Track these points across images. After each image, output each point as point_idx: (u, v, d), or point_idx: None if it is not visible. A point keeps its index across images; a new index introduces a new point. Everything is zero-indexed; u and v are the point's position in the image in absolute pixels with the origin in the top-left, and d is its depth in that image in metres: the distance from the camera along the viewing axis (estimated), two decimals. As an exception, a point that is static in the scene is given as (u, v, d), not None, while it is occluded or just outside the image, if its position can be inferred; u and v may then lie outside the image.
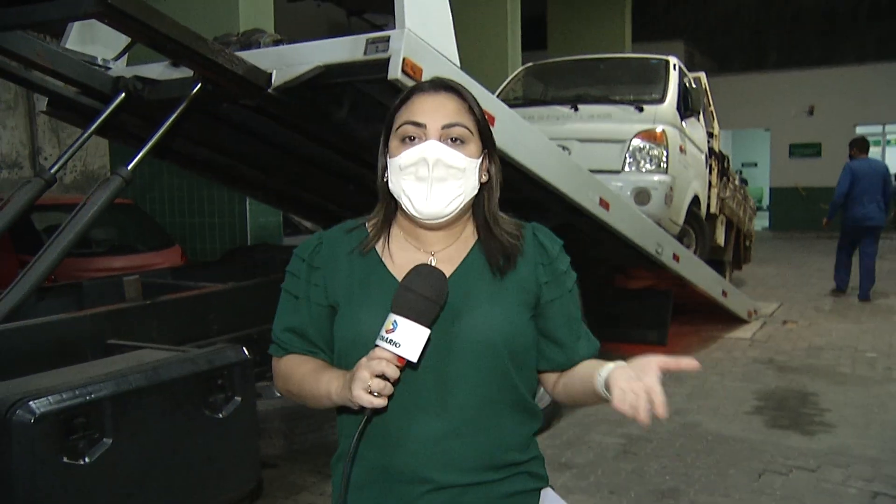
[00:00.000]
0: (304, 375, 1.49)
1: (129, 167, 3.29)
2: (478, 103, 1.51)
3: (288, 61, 3.53)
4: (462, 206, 1.46)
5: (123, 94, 3.62)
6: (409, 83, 3.38)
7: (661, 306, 6.31)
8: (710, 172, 7.67)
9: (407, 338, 1.32)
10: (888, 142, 18.84)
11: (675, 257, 5.88)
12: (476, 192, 1.49)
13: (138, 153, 3.38)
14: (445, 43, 3.61)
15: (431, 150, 1.42)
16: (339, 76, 3.52)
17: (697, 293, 6.58)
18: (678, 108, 6.61)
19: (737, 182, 9.23)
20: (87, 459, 2.22)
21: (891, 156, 18.69)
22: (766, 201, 19.98)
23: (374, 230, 1.53)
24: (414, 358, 1.33)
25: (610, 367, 1.39)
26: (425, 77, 3.43)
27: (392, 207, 1.52)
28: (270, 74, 3.50)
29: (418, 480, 1.42)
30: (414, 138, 1.44)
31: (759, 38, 19.07)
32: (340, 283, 1.50)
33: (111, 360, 2.76)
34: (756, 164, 20.17)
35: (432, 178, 1.42)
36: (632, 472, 3.93)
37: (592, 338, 1.59)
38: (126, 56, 4.02)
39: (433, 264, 1.44)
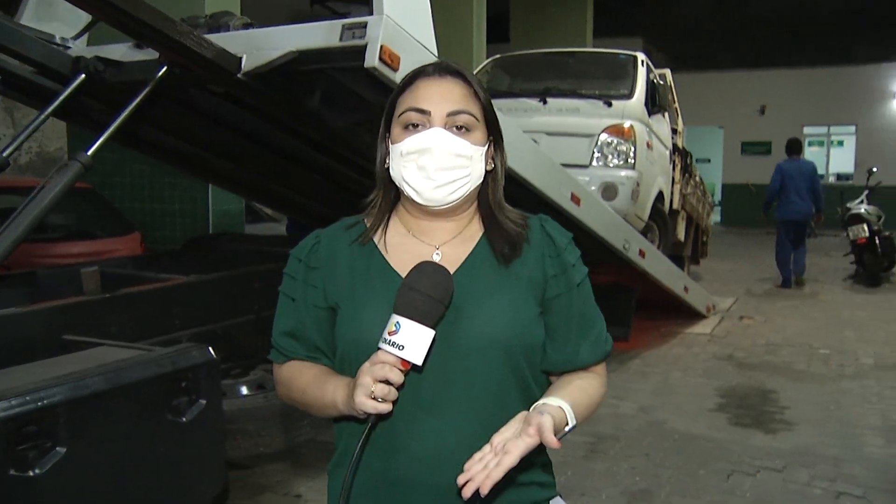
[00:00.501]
0: (307, 384, 1.42)
1: (89, 153, 3.10)
2: (484, 89, 1.44)
3: (259, 46, 3.38)
4: (467, 193, 1.41)
5: (83, 76, 3.43)
6: (387, 72, 3.26)
7: (625, 303, 6.30)
8: (674, 169, 7.69)
9: (411, 340, 1.25)
10: (832, 142, 19.21)
11: (641, 253, 5.88)
12: (481, 180, 1.43)
13: (99, 138, 3.19)
14: (424, 31, 3.50)
15: (436, 138, 1.37)
16: (312, 63, 3.38)
17: (659, 288, 6.60)
18: (646, 104, 6.61)
19: (698, 178, 9.30)
20: (37, 471, 2.05)
21: (835, 156, 19.11)
22: (717, 197, 20.27)
23: (372, 221, 1.46)
24: (419, 361, 1.26)
25: (537, 404, 1.33)
26: (403, 66, 3.32)
27: (392, 196, 1.46)
28: (240, 59, 3.35)
29: (423, 487, 1.36)
30: (418, 125, 1.38)
31: (714, 38, 19.29)
32: (341, 282, 1.43)
33: (67, 358, 2.59)
34: (709, 161, 20.40)
35: (437, 165, 1.36)
36: (602, 473, 3.89)
37: (602, 341, 1.49)
38: (87, 35, 3.82)
39: (438, 259, 1.39)
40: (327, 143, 4.20)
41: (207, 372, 2.62)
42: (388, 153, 1.43)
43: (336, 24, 3.28)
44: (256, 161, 4.73)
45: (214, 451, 2.68)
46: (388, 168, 1.42)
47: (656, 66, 7.38)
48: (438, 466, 1.34)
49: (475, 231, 1.47)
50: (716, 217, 18.64)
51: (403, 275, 1.34)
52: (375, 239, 1.45)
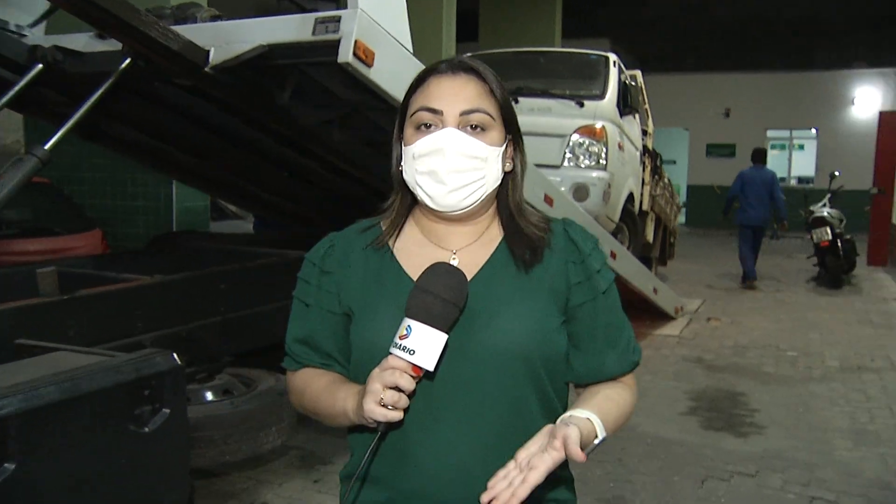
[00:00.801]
0: (319, 392, 1.37)
1: (47, 147, 2.95)
2: (501, 85, 1.36)
3: (228, 39, 3.26)
4: (483, 197, 1.34)
5: (41, 66, 3.27)
6: (361, 68, 3.17)
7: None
8: (644, 170, 7.69)
9: (422, 344, 1.20)
10: (794, 146, 19.48)
11: (612, 254, 5.84)
12: (499, 182, 1.36)
13: (57, 132, 3.05)
14: (399, 26, 3.41)
15: (448, 138, 1.30)
16: (283, 57, 3.27)
17: (629, 290, 6.58)
18: (617, 105, 6.58)
19: (666, 180, 9.33)
20: (-19, 490, 1.89)
21: (797, 159, 19.37)
22: (683, 198, 20.44)
23: (388, 225, 1.41)
24: (430, 367, 1.21)
25: (563, 416, 1.26)
26: (377, 61, 3.23)
27: (408, 199, 1.40)
28: (208, 52, 3.23)
29: (434, 502, 1.30)
30: (430, 125, 1.32)
31: (680, 41, 19.45)
32: (354, 286, 1.38)
33: (19, 365, 2.44)
34: (675, 162, 20.55)
35: (450, 168, 1.30)
36: (576, 479, 3.82)
37: (630, 351, 1.41)
38: (45, 23, 3.66)
39: (455, 264, 1.32)
40: (297, 139, 4.08)
41: (172, 379, 2.49)
42: (401, 155, 1.37)
43: (308, 18, 3.18)
44: (223, 157, 4.59)
45: (179, 461, 2.55)
46: (401, 169, 1.36)
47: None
48: (450, 480, 1.29)
49: (494, 235, 1.40)
50: (681, 218, 18.83)
51: (416, 278, 1.28)
52: (391, 243, 1.40)
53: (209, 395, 3.40)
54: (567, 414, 1.26)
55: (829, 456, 4.30)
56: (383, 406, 1.19)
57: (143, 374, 2.40)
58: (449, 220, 1.37)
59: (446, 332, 1.22)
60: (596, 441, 1.25)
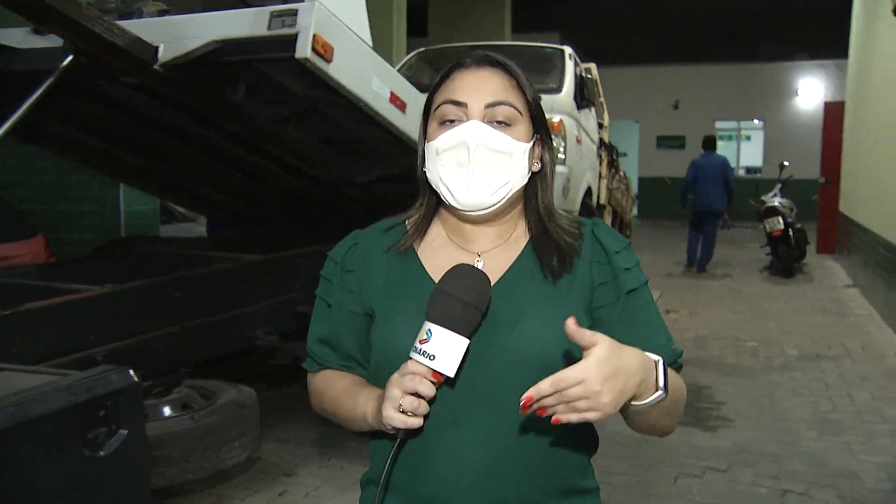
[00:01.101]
0: (339, 395, 1.35)
1: (-16, 151, 2.77)
2: (529, 81, 1.31)
3: (178, 34, 3.11)
4: (509, 196, 1.29)
5: (-26, 64, 3.07)
6: (320, 63, 3.04)
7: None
8: (601, 163, 7.67)
9: (443, 349, 1.16)
10: (742, 137, 19.80)
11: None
12: (525, 181, 1.31)
13: (-5, 134, 2.86)
14: (358, 20, 3.30)
15: (473, 131, 1.25)
16: (237, 53, 3.13)
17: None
18: (574, 99, 6.53)
19: (622, 172, 9.35)
20: None
21: (744, 150, 19.69)
22: (635, 190, 20.62)
23: (413, 226, 1.37)
24: (451, 372, 1.17)
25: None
26: (337, 56, 3.10)
27: (434, 200, 1.36)
28: (157, 48, 3.07)
29: None
30: (454, 120, 1.27)
31: (627, 34, 19.61)
32: (376, 287, 1.34)
33: (-40, 386, 2.27)
34: (625, 154, 20.73)
35: (474, 162, 1.25)
36: (548, 481, 3.76)
37: (672, 347, 1.30)
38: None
39: (479, 267, 1.28)
40: (251, 137, 3.93)
41: (129, 398, 2.32)
42: (425, 154, 1.32)
43: (264, 12, 3.04)
44: (173, 157, 4.42)
45: (138, 485, 2.39)
46: (427, 170, 1.31)
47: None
48: (469, 487, 1.24)
49: (521, 237, 1.35)
50: (633, 210, 19.01)
51: (446, 272, 1.24)
52: (414, 244, 1.36)
53: (167, 411, 3.23)
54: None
55: (796, 447, 4.31)
56: (402, 412, 1.16)
57: (97, 393, 2.23)
58: (474, 221, 1.32)
59: (468, 337, 1.18)
60: (654, 396, 1.13)
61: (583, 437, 1.32)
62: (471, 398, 1.24)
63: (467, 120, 1.26)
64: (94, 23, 2.71)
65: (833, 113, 11.74)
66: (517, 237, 1.35)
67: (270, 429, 4.31)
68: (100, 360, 3.06)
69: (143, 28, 3.06)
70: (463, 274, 1.20)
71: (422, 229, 1.36)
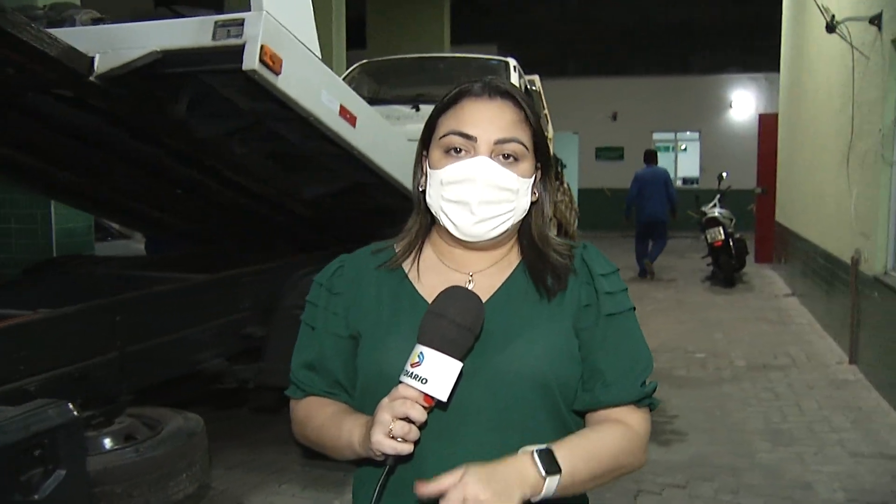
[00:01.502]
0: (323, 422, 1.31)
1: None
2: (535, 112, 1.30)
3: (115, 44, 2.94)
4: (509, 228, 1.30)
5: None
6: (268, 76, 2.91)
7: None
8: (546, 176, 7.65)
9: (435, 372, 1.13)
10: (681, 149, 20.19)
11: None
12: (525, 213, 1.32)
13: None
14: (306, 30, 3.18)
15: (481, 168, 1.25)
16: (179, 65, 2.99)
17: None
18: (520, 112, 6.49)
19: (566, 185, 9.37)
20: None
21: (681, 160, 20.06)
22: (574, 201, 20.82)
23: (403, 247, 1.36)
24: (443, 397, 1.14)
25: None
26: (286, 68, 2.98)
27: (427, 222, 1.36)
28: (92, 59, 2.91)
29: None
30: (461, 151, 1.27)
31: (562, 46, 19.86)
32: (366, 309, 1.32)
33: None
34: (565, 166, 20.97)
35: (480, 198, 1.25)
36: None
37: (640, 383, 1.29)
38: None
39: (470, 287, 1.27)
40: (192, 153, 3.76)
41: (68, 434, 2.16)
42: (425, 176, 1.32)
43: (208, 21, 2.90)
44: (109, 174, 4.20)
45: (78, 528, 2.22)
46: (423, 188, 1.31)
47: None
48: None
49: (513, 259, 1.35)
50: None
51: (439, 293, 1.23)
52: (405, 266, 1.35)
53: (108, 443, 3.03)
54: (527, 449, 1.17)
55: (751, 459, 4.31)
56: (393, 438, 1.12)
57: (32, 431, 2.07)
58: (468, 246, 1.32)
59: (461, 360, 1.16)
60: (546, 486, 1.13)
61: None
62: (462, 418, 1.22)
63: (475, 154, 1.26)
64: (21, 30, 2.53)
65: (767, 124, 12.01)
66: (509, 258, 1.35)
67: (218, 454, 4.12)
68: (33, 391, 2.85)
69: (76, 37, 2.89)
70: (456, 296, 1.19)
71: (412, 250, 1.35)
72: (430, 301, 1.25)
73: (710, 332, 7.54)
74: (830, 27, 6.62)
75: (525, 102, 1.30)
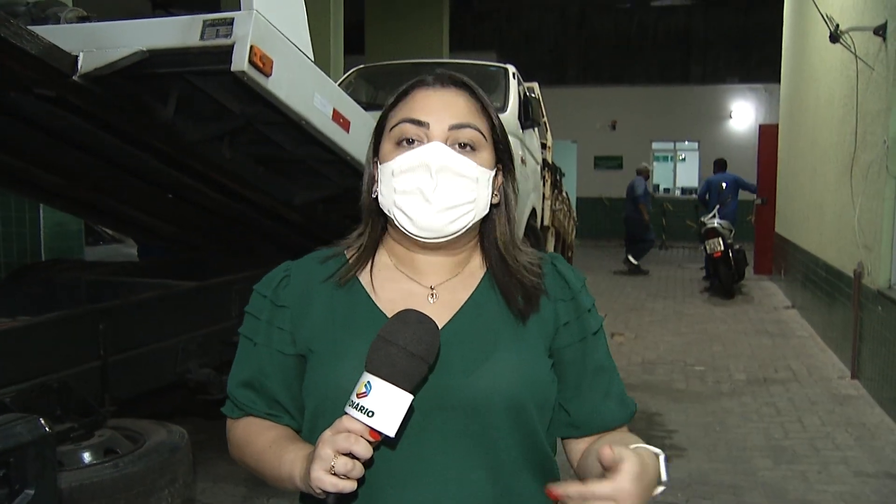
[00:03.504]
0: (263, 449, 1.20)
1: None
2: (493, 107, 1.21)
3: (100, 43, 2.84)
4: (469, 225, 1.19)
5: None
6: (258, 77, 2.82)
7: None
8: (545, 184, 7.57)
9: (382, 405, 1.03)
10: (679, 158, 20.12)
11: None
12: (486, 211, 1.21)
13: None
14: (298, 31, 3.08)
15: (435, 153, 1.15)
16: (166, 65, 2.89)
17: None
18: (519, 118, 6.41)
19: (565, 193, 9.29)
20: None
21: (681, 170, 20.00)
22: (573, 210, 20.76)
23: (356, 256, 1.25)
24: (391, 432, 1.04)
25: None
26: (276, 70, 2.88)
27: (379, 228, 1.25)
28: (76, 58, 2.81)
29: None
30: (413, 140, 1.17)
31: (561, 54, 19.82)
32: (316, 324, 1.21)
33: None
34: (564, 174, 20.91)
35: (435, 186, 1.14)
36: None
37: (626, 399, 1.29)
38: None
39: (432, 303, 1.20)
40: (180, 157, 3.66)
41: (38, 451, 2.04)
42: (375, 177, 1.21)
43: (196, 20, 2.80)
44: (95, 177, 4.09)
45: (47, 551, 2.10)
46: (376, 195, 1.21)
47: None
48: None
49: (476, 270, 1.26)
50: (572, 231, 19.10)
51: (391, 316, 1.12)
52: (359, 276, 1.24)
53: (87, 457, 2.91)
54: (633, 445, 1.12)
55: (753, 477, 4.20)
56: (334, 475, 1.01)
57: (-2, 448, 1.96)
58: (426, 248, 1.21)
59: (411, 393, 1.05)
60: (659, 489, 1.11)
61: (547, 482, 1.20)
62: (432, 448, 1.13)
63: (428, 141, 1.17)
64: (1, 26, 2.43)
65: (767, 135, 11.93)
66: (472, 269, 1.25)
67: (205, 466, 4.01)
68: (7, 402, 2.74)
69: (60, 35, 2.79)
70: (409, 320, 1.07)
71: (366, 259, 1.25)
72: (388, 314, 1.16)
73: (709, 345, 7.43)
74: (834, 37, 6.54)
75: (482, 95, 1.22)
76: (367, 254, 1.25)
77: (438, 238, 1.18)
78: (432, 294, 1.22)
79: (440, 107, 1.18)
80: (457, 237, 1.19)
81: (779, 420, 5.17)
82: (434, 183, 1.14)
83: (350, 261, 1.25)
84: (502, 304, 1.21)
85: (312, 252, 1.30)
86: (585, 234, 19.34)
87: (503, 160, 1.24)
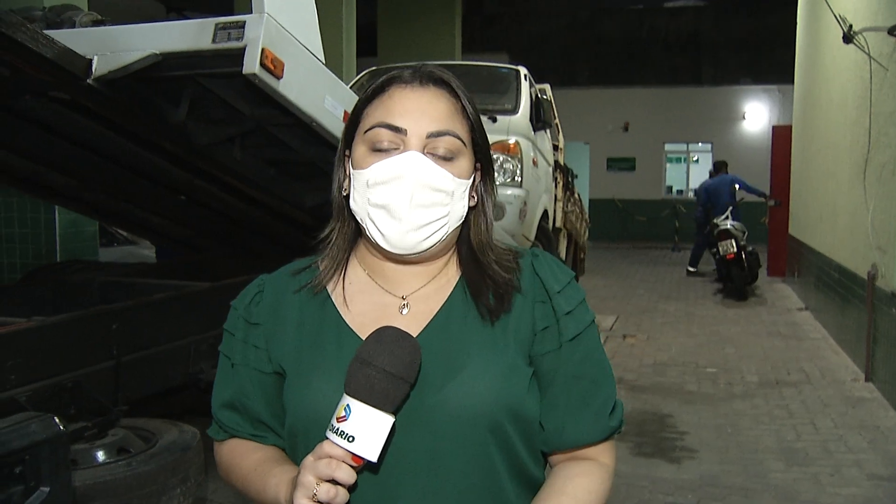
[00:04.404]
0: (248, 472, 1.17)
1: None
2: (473, 103, 1.14)
3: (113, 46, 2.87)
4: (444, 238, 1.14)
5: None
6: (269, 80, 2.84)
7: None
8: (556, 186, 7.57)
9: (363, 429, 1.00)
10: (692, 160, 20.05)
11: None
12: (462, 220, 1.16)
13: None
14: (309, 34, 3.10)
15: (412, 165, 1.09)
16: (178, 68, 2.92)
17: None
18: (531, 120, 6.41)
19: (577, 195, 9.28)
20: None
21: (693, 172, 19.91)
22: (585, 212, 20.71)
23: (327, 264, 1.19)
24: (373, 457, 1.00)
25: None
26: (287, 73, 2.90)
27: (350, 232, 1.20)
28: (90, 61, 2.84)
29: None
30: (388, 149, 1.11)
31: (572, 56, 19.78)
32: (286, 341, 1.16)
33: None
34: (577, 176, 20.88)
35: (410, 202, 1.09)
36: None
37: (607, 415, 1.17)
38: None
39: (405, 314, 1.14)
40: (192, 159, 3.69)
41: (52, 450, 2.07)
42: (347, 178, 1.16)
43: (208, 23, 2.82)
44: (108, 179, 4.13)
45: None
46: (348, 196, 1.15)
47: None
48: None
49: (451, 275, 1.19)
50: (584, 232, 19.05)
51: (362, 335, 1.09)
52: (329, 287, 1.18)
53: (101, 456, 2.94)
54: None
55: (764, 479, 4.19)
56: (317, 502, 0.99)
57: (13, 446, 1.98)
58: (400, 261, 1.16)
59: (393, 414, 1.02)
60: None
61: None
62: (406, 469, 1.09)
63: (405, 149, 1.11)
64: (17, 30, 2.46)
65: (781, 136, 11.87)
66: (448, 275, 1.19)
67: (215, 465, 4.03)
68: (23, 401, 2.77)
69: (74, 39, 2.82)
70: (387, 339, 1.03)
71: (338, 267, 1.19)
72: (358, 332, 1.12)
73: (721, 347, 7.40)
74: (847, 37, 6.51)
75: (462, 91, 1.16)
76: (339, 262, 1.19)
77: (411, 254, 1.13)
78: (405, 305, 1.16)
79: (418, 110, 1.11)
80: (433, 250, 1.15)
81: (791, 422, 5.15)
82: (408, 199, 1.09)
83: (321, 270, 1.19)
84: (474, 310, 1.15)
85: (288, 264, 1.26)
86: (598, 236, 19.33)
87: (482, 161, 1.18)
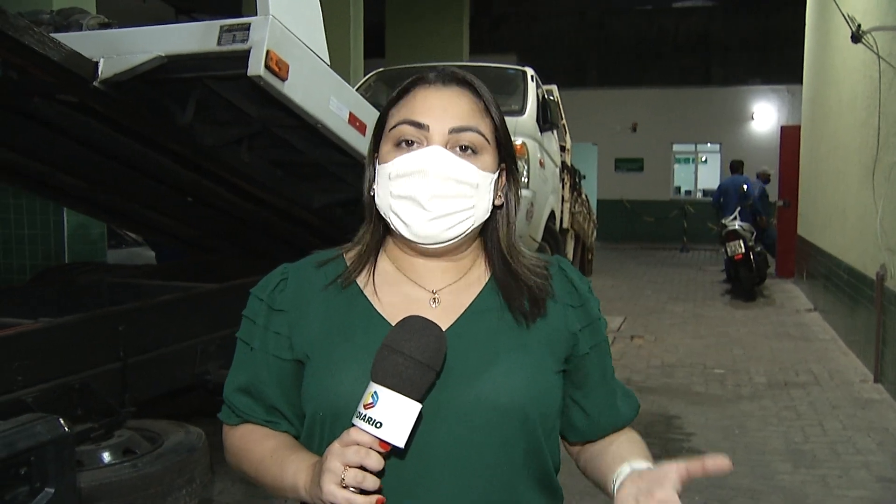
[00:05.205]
0: (263, 458, 1.17)
1: None
2: (496, 104, 1.17)
3: (120, 49, 2.89)
4: (469, 231, 1.16)
5: None
6: (274, 82, 2.85)
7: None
8: (563, 186, 7.56)
9: (391, 415, 1.01)
10: (701, 160, 19.99)
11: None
12: (487, 215, 1.18)
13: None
14: (314, 36, 3.10)
15: (434, 158, 1.12)
16: (184, 70, 2.93)
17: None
18: (537, 121, 6.41)
19: (584, 196, 9.27)
20: None
21: (702, 173, 19.86)
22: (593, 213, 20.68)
23: (355, 259, 1.21)
24: (400, 443, 1.02)
25: (626, 471, 1.14)
26: (292, 75, 2.91)
27: (380, 230, 1.21)
28: (97, 64, 2.85)
29: None
30: (412, 143, 1.14)
31: (581, 56, 19.77)
32: (313, 330, 1.17)
33: None
34: (584, 177, 20.85)
35: (433, 192, 1.11)
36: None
37: (631, 394, 1.32)
38: None
39: (435, 308, 1.17)
40: (199, 161, 3.70)
41: (57, 451, 2.08)
42: (374, 176, 1.18)
43: (213, 26, 2.83)
44: (116, 180, 4.15)
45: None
46: (375, 195, 1.17)
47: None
48: None
49: (480, 275, 1.22)
50: (592, 233, 19.02)
51: (392, 321, 1.11)
52: (359, 280, 1.20)
53: (107, 457, 2.95)
54: (621, 475, 1.14)
55: (771, 481, 4.17)
56: (345, 488, 0.99)
57: (18, 447, 1.99)
58: (427, 254, 1.18)
59: (420, 401, 1.03)
60: None
61: (550, 498, 1.22)
62: (430, 461, 1.10)
63: (428, 144, 1.13)
64: (24, 34, 2.48)
65: (790, 136, 11.83)
66: (476, 274, 1.22)
67: (223, 467, 4.04)
68: (29, 402, 2.79)
69: (81, 42, 2.84)
70: (414, 327, 1.05)
71: (366, 261, 1.20)
72: (389, 319, 1.14)
73: (729, 348, 7.38)
74: (856, 37, 6.48)
75: (485, 93, 1.18)
76: (368, 256, 1.21)
77: (436, 244, 1.15)
78: (434, 299, 1.18)
79: (441, 108, 1.14)
80: (458, 242, 1.16)
81: (799, 424, 5.13)
82: (431, 189, 1.11)
83: (350, 263, 1.21)
84: (505, 309, 1.18)
85: (310, 255, 1.27)
86: (606, 236, 19.30)
87: (506, 161, 1.20)
